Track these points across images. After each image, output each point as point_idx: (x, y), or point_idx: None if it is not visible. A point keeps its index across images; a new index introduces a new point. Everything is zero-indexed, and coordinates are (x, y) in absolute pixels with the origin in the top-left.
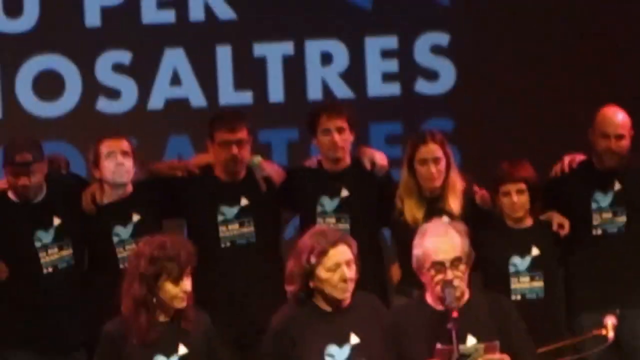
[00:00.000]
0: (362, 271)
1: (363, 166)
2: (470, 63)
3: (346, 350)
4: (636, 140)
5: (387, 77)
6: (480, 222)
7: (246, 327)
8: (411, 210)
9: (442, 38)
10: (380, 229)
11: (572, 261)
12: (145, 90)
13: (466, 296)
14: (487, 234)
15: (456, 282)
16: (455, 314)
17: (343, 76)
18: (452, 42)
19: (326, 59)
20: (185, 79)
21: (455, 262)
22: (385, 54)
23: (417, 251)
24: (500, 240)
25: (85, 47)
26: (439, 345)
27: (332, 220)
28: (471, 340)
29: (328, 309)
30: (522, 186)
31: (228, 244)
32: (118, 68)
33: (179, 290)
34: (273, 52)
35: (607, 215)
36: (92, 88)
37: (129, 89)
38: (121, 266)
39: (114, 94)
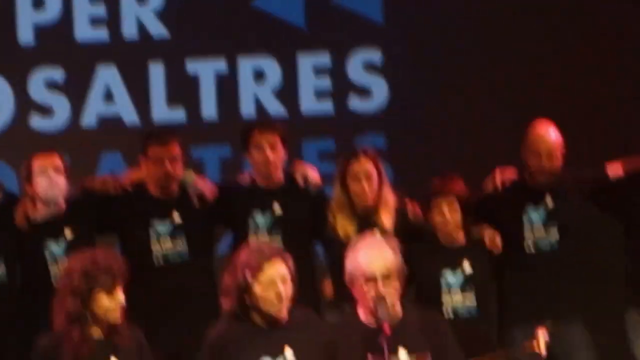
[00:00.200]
0: (294, 287)
1: (296, 182)
2: (403, 80)
3: None
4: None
5: (320, 94)
6: (413, 238)
7: (179, 343)
8: (343, 225)
9: (375, 55)
10: (313, 245)
11: (505, 277)
12: (77, 107)
13: (398, 310)
14: (420, 249)
15: (388, 297)
16: (387, 330)
17: (276, 93)
18: (384, 59)
19: (259, 76)
20: (118, 96)
21: (387, 276)
22: (318, 71)
23: (349, 266)
24: (433, 256)
25: (18, 64)
26: (370, 358)
27: (265, 236)
28: (403, 353)
29: (263, 325)
30: (454, 201)
31: (161, 261)
32: (51, 85)
33: (113, 303)
34: (206, 70)
35: (540, 232)
36: (25, 105)
37: (61, 106)
38: (54, 283)
39: (46, 111)
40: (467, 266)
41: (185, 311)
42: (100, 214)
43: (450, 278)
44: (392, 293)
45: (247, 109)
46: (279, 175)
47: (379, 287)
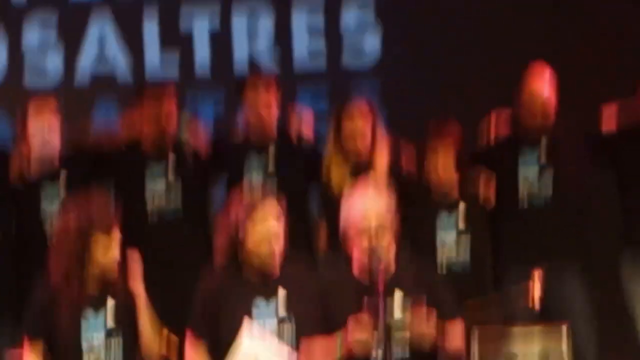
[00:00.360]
0: (289, 241)
1: (289, 139)
2: (397, 27)
3: (272, 305)
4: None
5: (313, 52)
6: (407, 193)
7: (174, 299)
8: (337, 181)
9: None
10: (307, 201)
11: (500, 230)
12: (71, 65)
13: (392, 263)
14: (414, 205)
15: (380, 248)
16: (380, 280)
17: (270, 50)
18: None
19: (252, 32)
20: (111, 54)
21: (380, 227)
22: (312, 28)
23: (343, 219)
24: (427, 211)
25: (11, 22)
26: (363, 316)
27: (259, 192)
28: (398, 295)
29: (256, 279)
30: (449, 145)
31: (155, 218)
32: (44, 43)
33: (108, 259)
34: (200, 26)
35: (534, 184)
36: (19, 63)
37: (55, 64)
38: (49, 240)
39: (40, 69)
40: (461, 221)
41: (180, 268)
42: (95, 171)
43: (445, 233)
44: (386, 245)
45: (241, 64)
46: (272, 131)
47: (372, 239)
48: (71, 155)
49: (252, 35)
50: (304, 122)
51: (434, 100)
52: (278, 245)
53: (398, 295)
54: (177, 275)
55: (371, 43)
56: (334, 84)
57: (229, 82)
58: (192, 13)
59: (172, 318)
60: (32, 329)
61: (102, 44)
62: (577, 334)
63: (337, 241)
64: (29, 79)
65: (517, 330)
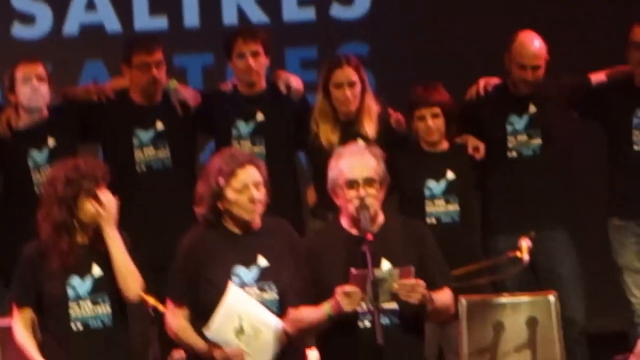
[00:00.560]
0: (277, 195)
1: (278, 90)
2: None
3: (253, 271)
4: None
5: (302, 2)
6: (396, 146)
7: (161, 249)
8: (326, 133)
9: None
10: (296, 153)
11: (488, 184)
12: (60, 15)
13: (381, 220)
14: (402, 158)
15: (369, 201)
16: (369, 237)
17: (258, 0)
18: None
19: None
20: (100, 4)
21: (368, 181)
22: None
23: (331, 173)
24: (416, 164)
25: None
26: (353, 271)
27: (248, 143)
28: (386, 265)
29: (237, 231)
30: (437, 110)
31: (144, 168)
32: None
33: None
34: None
35: (522, 137)
36: (7, 13)
37: (44, 14)
38: (36, 190)
39: (29, 19)
40: (450, 173)
41: (167, 218)
42: (83, 122)
43: (434, 187)
44: (374, 199)
45: (229, 16)
46: (262, 83)
47: (361, 192)
48: (59, 105)
49: None
50: (293, 72)
51: (422, 65)
52: (259, 195)
53: (386, 265)
54: (164, 225)
55: None
56: (323, 34)
57: (218, 32)
58: None
59: (159, 268)
60: (20, 297)
61: None
62: (566, 299)
63: (325, 192)
64: (18, 29)
65: (505, 299)
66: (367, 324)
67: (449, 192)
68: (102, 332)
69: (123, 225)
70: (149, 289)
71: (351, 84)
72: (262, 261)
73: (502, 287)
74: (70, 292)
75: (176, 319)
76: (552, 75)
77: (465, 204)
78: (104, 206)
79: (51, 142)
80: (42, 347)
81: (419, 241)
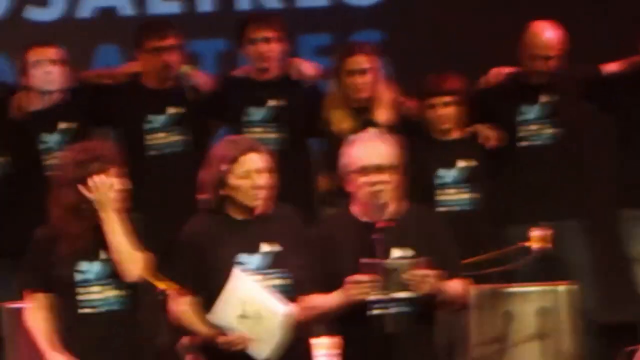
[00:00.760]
0: (289, 181)
1: (291, 76)
2: None
3: (257, 258)
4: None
5: None
6: (408, 134)
7: (172, 234)
8: (339, 120)
9: None
10: (308, 139)
11: (499, 173)
12: None
13: (394, 208)
14: (414, 146)
15: (380, 187)
16: (380, 224)
17: None
18: None
19: None
20: None
21: (381, 167)
22: None
23: (344, 159)
24: (428, 152)
25: None
26: (364, 260)
27: (259, 130)
28: (397, 254)
29: (240, 217)
30: (449, 99)
31: (155, 152)
32: None
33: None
34: None
35: (534, 127)
36: None
37: None
38: (48, 174)
39: (42, 2)
40: (461, 162)
41: (179, 203)
42: (96, 106)
43: (445, 175)
44: (386, 186)
45: (242, 2)
46: (275, 69)
47: (373, 179)
48: (72, 89)
49: None
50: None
51: (435, 52)
52: (262, 180)
53: (397, 254)
54: (176, 210)
55: None
56: (337, 20)
57: (231, 18)
58: None
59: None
60: (32, 282)
61: None
62: (578, 290)
63: (337, 178)
64: (31, 12)
65: (515, 289)
66: (378, 312)
67: (460, 180)
68: (111, 316)
69: (134, 209)
70: (160, 273)
71: (363, 72)
72: (266, 247)
73: (512, 276)
74: (78, 276)
75: (182, 307)
76: (565, 65)
77: (476, 193)
78: (96, 190)
79: (63, 125)
80: (56, 332)
81: (431, 230)
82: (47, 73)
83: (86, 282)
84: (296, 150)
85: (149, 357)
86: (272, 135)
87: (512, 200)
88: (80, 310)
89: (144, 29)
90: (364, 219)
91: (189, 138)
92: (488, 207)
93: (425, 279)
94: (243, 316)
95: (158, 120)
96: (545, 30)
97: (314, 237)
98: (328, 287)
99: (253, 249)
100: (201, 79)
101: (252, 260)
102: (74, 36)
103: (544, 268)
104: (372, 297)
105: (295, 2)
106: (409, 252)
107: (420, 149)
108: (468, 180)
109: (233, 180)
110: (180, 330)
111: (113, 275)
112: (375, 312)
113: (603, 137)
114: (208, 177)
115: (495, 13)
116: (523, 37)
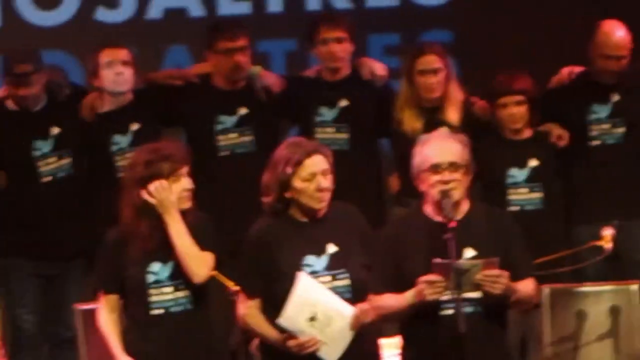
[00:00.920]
0: (360, 181)
1: (362, 76)
2: None
3: (324, 260)
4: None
5: None
6: (479, 134)
7: (242, 234)
8: (410, 120)
9: None
10: (379, 139)
11: (571, 173)
12: None
13: (465, 207)
14: (485, 145)
15: (452, 185)
16: (452, 224)
17: None
18: None
19: None
20: None
21: (453, 165)
22: None
23: (416, 158)
24: (499, 152)
25: None
26: (436, 260)
27: (331, 130)
28: (469, 254)
29: (304, 219)
30: (521, 98)
31: (227, 153)
32: None
33: (179, 189)
34: None
35: (606, 126)
36: None
37: None
38: (120, 175)
39: (111, 3)
40: (532, 161)
41: (249, 203)
42: (166, 107)
43: (517, 174)
44: (458, 184)
45: (312, 2)
46: (345, 69)
47: (445, 177)
48: (143, 90)
49: None
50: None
51: (505, 52)
52: (326, 183)
53: (469, 254)
54: (246, 210)
55: None
56: (406, 20)
57: (302, 18)
58: None
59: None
60: (105, 283)
61: None
62: None
63: (408, 179)
64: (101, 13)
65: (588, 288)
66: (450, 312)
67: (532, 179)
68: (182, 317)
69: (204, 209)
70: (230, 274)
71: (435, 71)
72: (332, 248)
73: (584, 276)
74: (150, 277)
75: (249, 310)
76: (635, 64)
77: (548, 192)
78: (156, 194)
79: (134, 126)
80: (126, 333)
81: (503, 230)
82: (119, 74)
83: (158, 283)
84: (366, 150)
85: (222, 357)
86: (343, 136)
87: (583, 200)
88: (152, 312)
89: (215, 30)
90: (436, 218)
91: (260, 138)
92: (559, 207)
93: (497, 279)
94: (313, 319)
95: (229, 120)
96: (616, 30)
97: (385, 236)
98: (399, 287)
99: (319, 251)
100: (272, 79)
101: (319, 261)
102: (144, 37)
103: (615, 267)
104: (444, 297)
105: (364, 2)
106: (481, 251)
107: (490, 148)
108: (539, 179)
109: (298, 183)
110: (248, 332)
111: (184, 276)
112: (447, 312)
113: None
114: (272, 179)
115: (563, 12)
116: (593, 37)
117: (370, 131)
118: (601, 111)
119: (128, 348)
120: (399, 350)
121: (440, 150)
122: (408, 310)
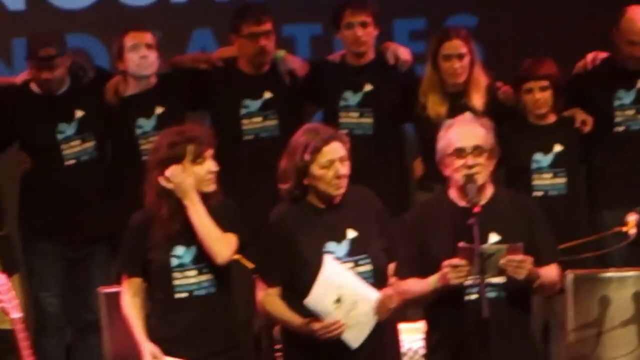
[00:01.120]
0: (384, 166)
1: (386, 61)
2: None
3: (345, 245)
4: None
5: None
6: (503, 119)
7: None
8: (434, 105)
9: None
10: (403, 124)
11: (595, 158)
12: None
13: (490, 192)
14: (510, 130)
15: (476, 169)
16: (477, 209)
17: None
18: None
19: None
20: None
21: (477, 149)
22: None
23: (441, 142)
24: (523, 137)
25: None
26: (461, 244)
27: (356, 114)
28: (494, 238)
29: (322, 205)
30: (545, 83)
31: (251, 137)
32: None
33: (204, 172)
34: None
35: (630, 112)
36: None
37: None
38: (144, 158)
39: None
40: (557, 146)
41: (273, 187)
42: (191, 91)
43: (541, 159)
44: (482, 168)
45: None
46: (370, 53)
47: (469, 161)
48: (167, 73)
49: None
50: (401, 44)
51: (530, 37)
52: (344, 169)
53: (494, 239)
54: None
55: None
56: (432, 5)
57: (327, 2)
58: None
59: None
60: (129, 267)
61: None
62: None
63: (433, 164)
64: None
65: (611, 274)
66: (474, 297)
67: (557, 165)
68: (206, 300)
69: (227, 193)
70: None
71: (460, 56)
72: (352, 234)
73: (608, 261)
74: (174, 261)
75: (267, 298)
76: None
77: (572, 177)
78: (174, 179)
79: (159, 110)
80: (149, 317)
81: (527, 215)
82: (143, 58)
83: (181, 267)
84: (390, 135)
85: (245, 340)
86: (368, 120)
87: (607, 185)
88: (176, 295)
89: (241, 14)
90: (461, 203)
91: (284, 123)
92: (583, 192)
93: (522, 264)
94: (339, 301)
95: (253, 105)
96: None
97: (409, 221)
98: (423, 272)
99: (340, 237)
100: (296, 63)
101: (340, 248)
102: (169, 20)
103: (639, 253)
104: (468, 282)
105: None
106: (505, 236)
107: (515, 133)
108: (563, 164)
109: (316, 170)
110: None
111: (207, 259)
112: (471, 297)
113: None
114: (290, 166)
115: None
116: (618, 23)
117: (395, 116)
118: (626, 97)
119: (151, 333)
120: (423, 335)
121: (464, 134)
122: (432, 295)
